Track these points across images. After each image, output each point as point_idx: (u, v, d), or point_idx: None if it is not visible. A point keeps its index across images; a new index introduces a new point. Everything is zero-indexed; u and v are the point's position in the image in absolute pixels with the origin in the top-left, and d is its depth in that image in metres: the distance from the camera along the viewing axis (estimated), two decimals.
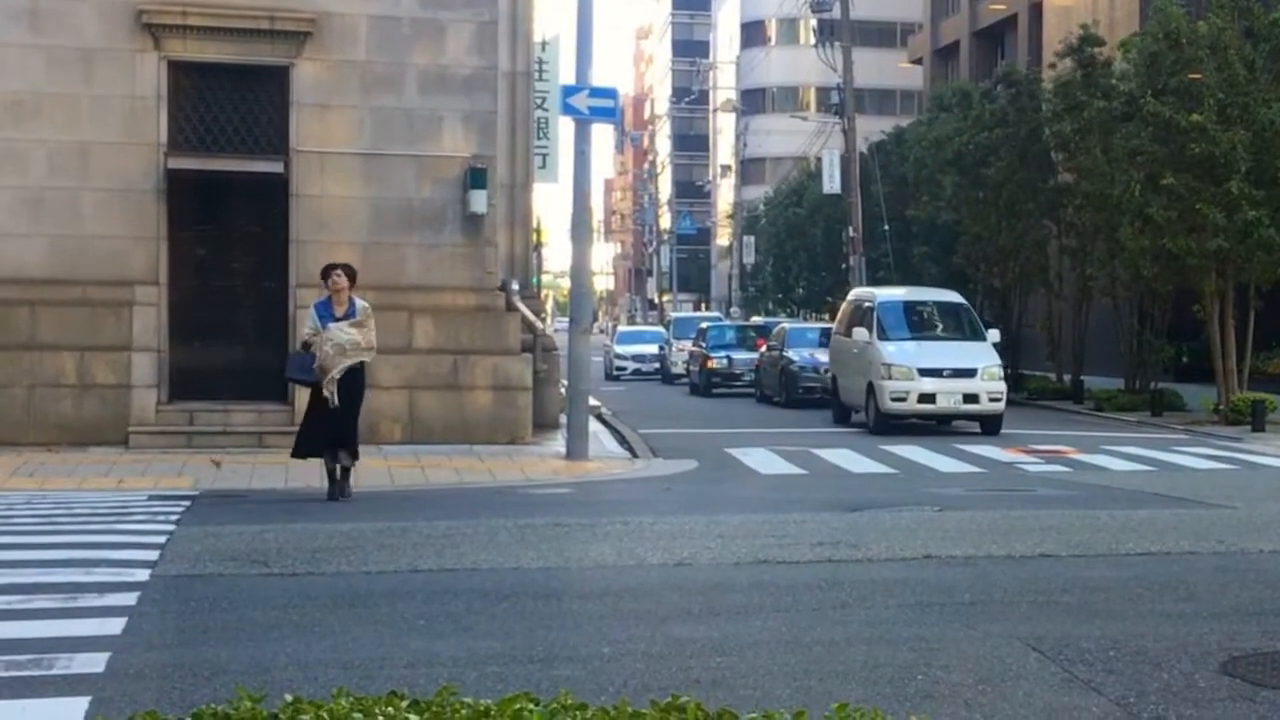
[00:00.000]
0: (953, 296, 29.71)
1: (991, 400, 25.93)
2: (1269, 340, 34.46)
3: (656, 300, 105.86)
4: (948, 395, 25.73)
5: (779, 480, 18.94)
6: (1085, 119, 33.15)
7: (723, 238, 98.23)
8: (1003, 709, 6.91)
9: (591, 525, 13.45)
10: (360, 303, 15.81)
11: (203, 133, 21.95)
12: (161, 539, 12.15)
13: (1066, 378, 37.63)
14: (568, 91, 21.48)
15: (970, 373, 26.03)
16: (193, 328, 21.79)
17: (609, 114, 22.14)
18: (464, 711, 4.80)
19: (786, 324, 40.49)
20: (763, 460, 21.24)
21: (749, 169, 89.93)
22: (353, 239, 22.10)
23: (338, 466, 15.73)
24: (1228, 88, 28.55)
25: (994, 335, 27.67)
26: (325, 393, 15.41)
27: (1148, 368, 34.07)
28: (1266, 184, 28.29)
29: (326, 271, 15.88)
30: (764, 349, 37.94)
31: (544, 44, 29.10)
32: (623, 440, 24.29)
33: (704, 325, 45.74)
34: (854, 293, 30.21)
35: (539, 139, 28.15)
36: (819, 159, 55.84)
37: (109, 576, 10.31)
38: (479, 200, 22.25)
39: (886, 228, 46.56)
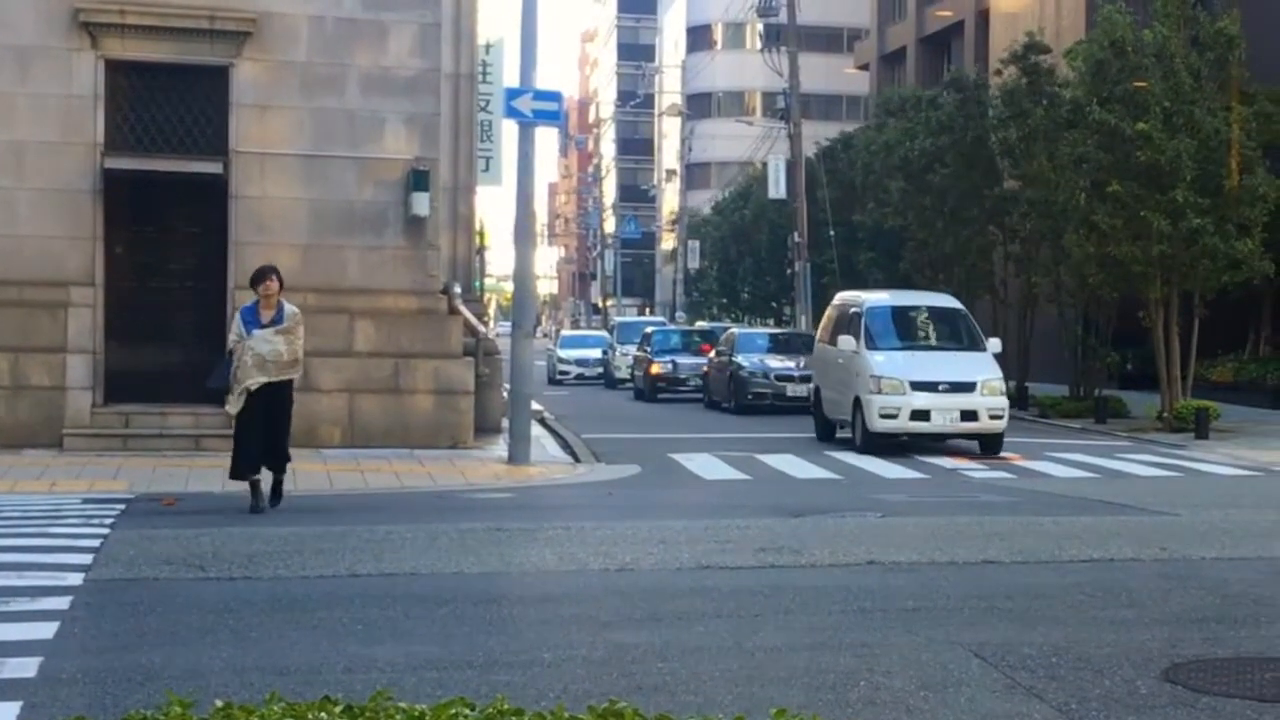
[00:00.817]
0: (949, 301, 27.42)
1: (992, 417, 23.40)
2: (1213, 348, 34.72)
3: (600, 305, 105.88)
4: (943, 412, 23.23)
5: (722, 485, 18.90)
6: (1030, 126, 33.30)
7: (667, 242, 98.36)
8: (945, 715, 6.88)
9: (533, 530, 13.37)
10: (289, 308, 14.84)
11: (140, 133, 21.72)
12: (96, 542, 12.01)
13: (1011, 384, 37.71)
14: (511, 94, 21.39)
15: (968, 387, 23.50)
16: (129, 329, 21.54)
17: (553, 117, 22.05)
18: (399, 717, 4.73)
19: (736, 329, 39.95)
20: (706, 465, 21.19)
21: (694, 173, 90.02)
22: (293, 241, 21.93)
23: (262, 479, 14.83)
24: (1173, 96, 28.73)
25: (994, 345, 24.98)
26: (229, 406, 14.67)
27: (1093, 375, 34.27)
28: (1211, 192, 28.49)
29: (259, 277, 14.85)
30: (712, 354, 37.32)
31: (488, 46, 28.98)
32: (565, 445, 24.21)
33: (649, 330, 45.51)
34: (839, 297, 27.82)
35: (482, 142, 28.02)
36: (765, 164, 55.95)
37: (42, 580, 10.19)
38: (421, 203, 22.11)
39: (832, 233, 46.67)
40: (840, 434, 25.26)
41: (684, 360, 40.30)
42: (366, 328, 22.04)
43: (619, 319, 66.03)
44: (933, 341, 25.50)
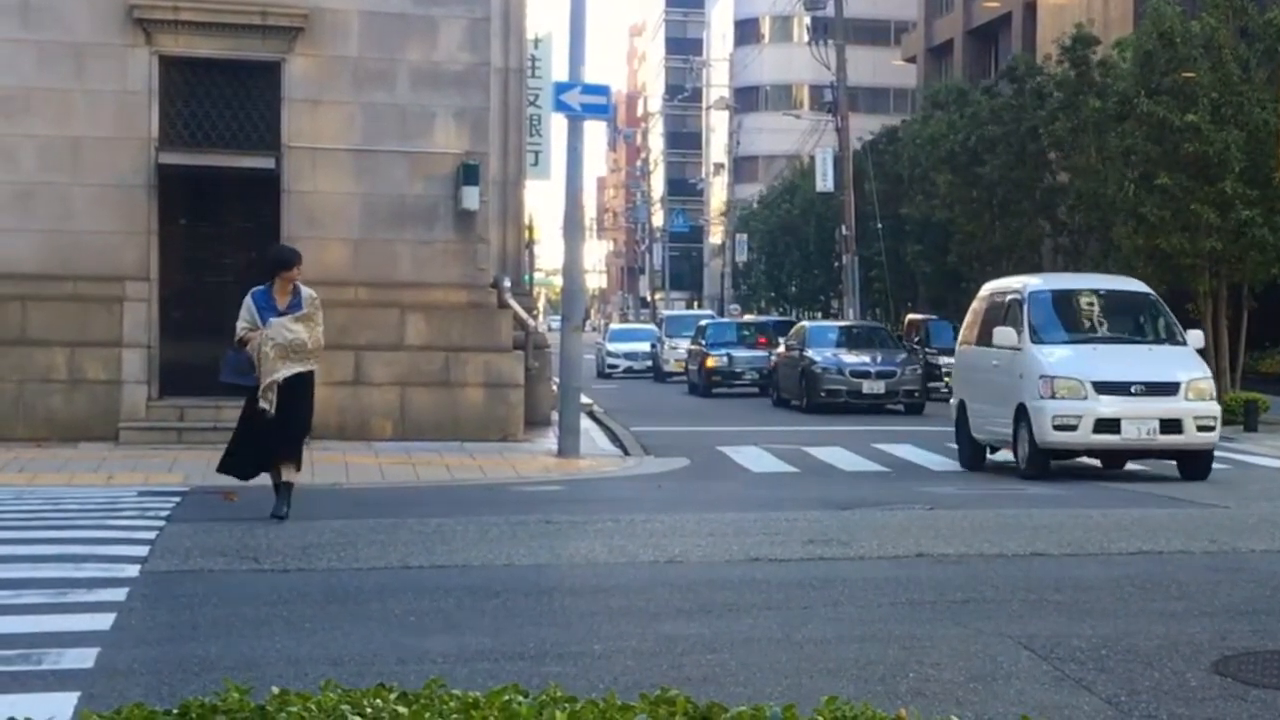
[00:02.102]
0: (1133, 285, 21.99)
1: (1200, 429, 18.44)
2: (1262, 340, 34.52)
3: (649, 298, 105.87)
4: (1138, 422, 18.31)
5: (770, 478, 18.93)
6: (1080, 118, 33.17)
7: (715, 236, 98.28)
8: (994, 707, 6.90)
9: (583, 522, 13.43)
10: (307, 291, 13.59)
11: (194, 128, 21.89)
12: (151, 534, 12.13)
13: None
14: (560, 88, 21.44)
15: (1169, 389, 18.62)
16: (183, 324, 21.73)
17: (602, 111, 22.11)
18: (452, 704, 4.78)
19: (806, 322, 38.90)
20: (754, 458, 21.22)
21: (742, 167, 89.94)
22: (344, 235, 22.07)
23: (280, 481, 13.57)
24: (1222, 87, 28.58)
25: (1196, 339, 19.89)
26: (262, 403, 13.14)
27: None
28: (1260, 184, 28.32)
29: (288, 262, 13.62)
30: (780, 348, 35.55)
31: (537, 40, 29.07)
32: (614, 438, 24.26)
33: (703, 323, 44.93)
34: (990, 286, 22.56)
35: (531, 136, 28.12)
36: (812, 157, 55.85)
37: (99, 572, 10.29)
38: (471, 197, 22.20)
39: (880, 226, 46.58)
40: (995, 457, 20.79)
41: (740, 354, 39.44)
42: (417, 321, 22.15)
43: (667, 313, 65.86)
44: (1118, 333, 20.31)
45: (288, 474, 13.43)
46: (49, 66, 21.26)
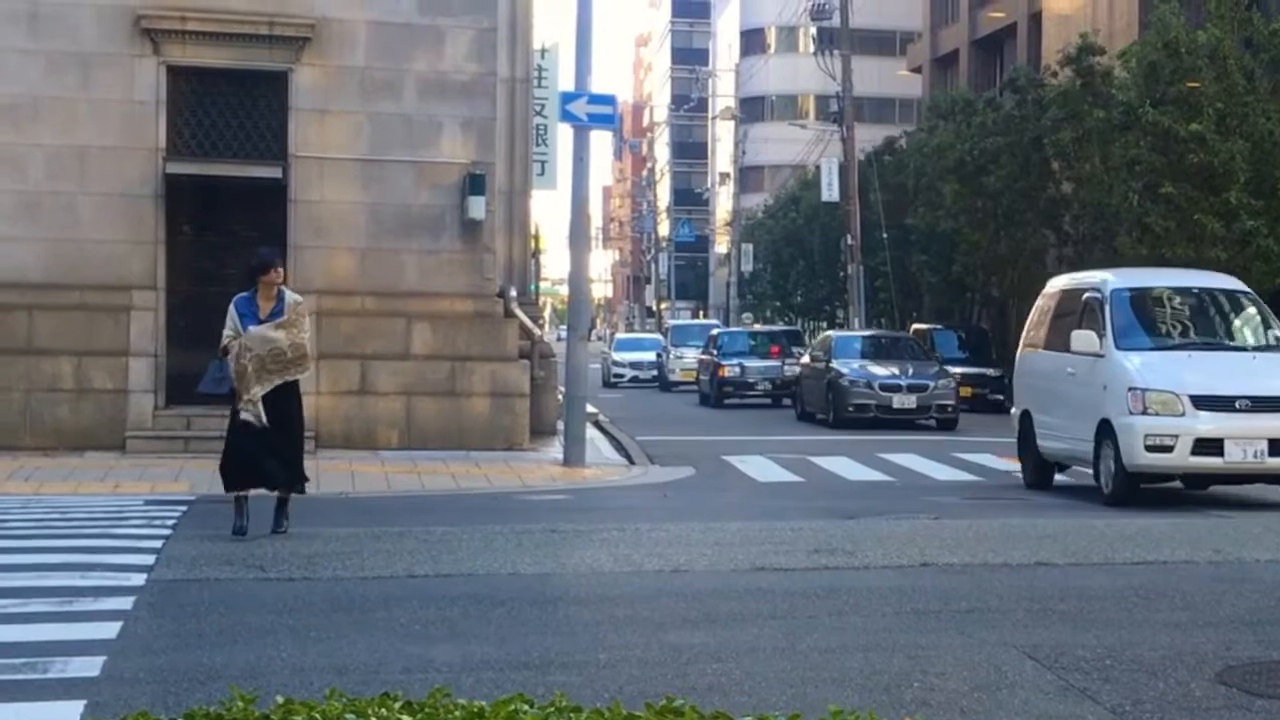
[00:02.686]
0: (1230, 282, 19.04)
1: None
2: None
3: (655, 308, 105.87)
4: (1244, 443, 15.82)
5: (776, 487, 18.94)
6: (1084, 128, 33.21)
7: (721, 245, 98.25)
8: (999, 716, 6.91)
9: (588, 531, 13.45)
10: (291, 296, 13.05)
11: (201, 138, 21.94)
12: (158, 543, 12.16)
13: None
14: (567, 98, 21.49)
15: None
16: (190, 333, 21.72)
17: (608, 121, 22.15)
18: (458, 713, 4.80)
19: (833, 332, 37.96)
20: (760, 467, 21.23)
21: (748, 177, 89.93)
22: (351, 244, 22.12)
23: (277, 494, 13.18)
24: (1226, 97, 28.61)
25: None
26: (245, 414, 12.60)
27: None
28: (1265, 194, 28.36)
29: (263, 265, 12.99)
30: (805, 359, 34.53)
31: (543, 51, 29.13)
32: (620, 447, 24.28)
33: (715, 332, 44.42)
34: (1060, 281, 19.86)
35: (538, 146, 28.17)
36: (817, 167, 55.87)
37: (105, 581, 10.31)
38: (477, 206, 22.24)
39: (885, 236, 46.58)
40: (1063, 477, 18.94)
41: (752, 364, 38.95)
42: (424, 331, 22.19)
43: (673, 322, 65.88)
44: (1213, 338, 17.69)
45: (282, 491, 13.10)
46: (56, 76, 21.32)
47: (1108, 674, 7.72)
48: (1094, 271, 20.76)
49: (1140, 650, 8.29)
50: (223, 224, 22.27)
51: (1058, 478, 18.84)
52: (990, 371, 38.27)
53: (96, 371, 21.13)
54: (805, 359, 34.14)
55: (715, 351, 40.06)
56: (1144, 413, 16.01)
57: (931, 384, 30.05)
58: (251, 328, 12.70)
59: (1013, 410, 19.82)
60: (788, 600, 9.85)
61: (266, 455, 12.78)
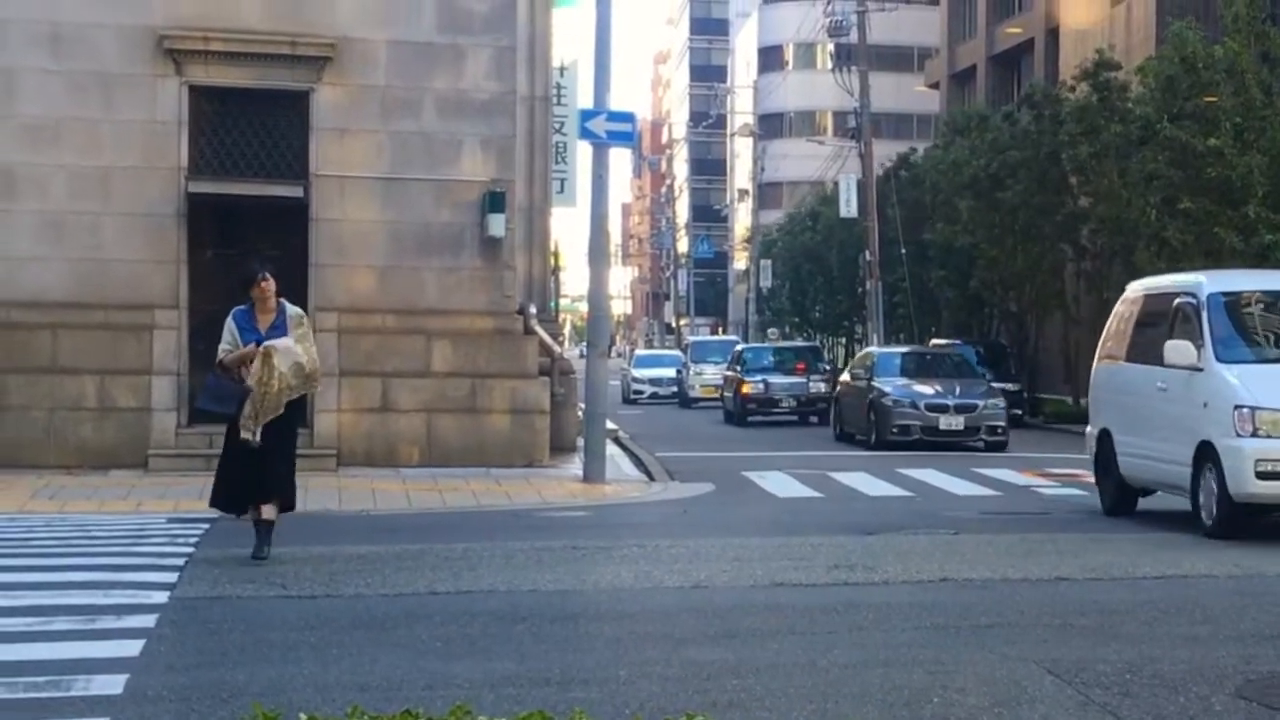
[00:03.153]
0: None
1: None
2: None
3: (674, 324, 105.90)
4: None
5: (795, 503, 18.94)
6: (1102, 143, 33.21)
7: (740, 261, 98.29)
8: None
9: (608, 548, 13.48)
10: (293, 310, 12.70)
11: (223, 157, 22.05)
12: (180, 561, 12.20)
13: (1083, 401, 37.53)
14: (586, 116, 21.56)
15: None
16: (213, 352, 21.63)
17: (627, 138, 22.21)
18: None
19: (874, 348, 35.78)
20: (779, 483, 21.23)
21: (766, 193, 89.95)
22: (371, 263, 22.21)
23: (259, 517, 12.46)
24: (1244, 111, 28.60)
25: None
26: (245, 434, 12.10)
27: None
28: None
29: (252, 277, 12.57)
30: (846, 377, 32.14)
31: (562, 69, 29.18)
32: (639, 463, 24.30)
33: (739, 348, 43.65)
34: (1143, 285, 18.03)
35: (557, 163, 28.23)
36: (835, 183, 55.89)
37: (127, 599, 10.36)
38: (497, 224, 22.31)
39: (903, 251, 46.59)
40: (1146, 500, 17.06)
41: (777, 380, 37.85)
42: (444, 348, 22.25)
43: (693, 338, 65.74)
44: None
45: (267, 512, 12.33)
46: (79, 96, 21.45)
47: (1128, 689, 7.72)
48: (1183, 275, 18.32)
49: (1161, 665, 8.29)
50: (245, 243, 22.31)
51: (1141, 502, 17.15)
52: (1009, 386, 38.16)
53: (119, 390, 21.22)
54: (845, 377, 31.99)
55: (739, 368, 39.07)
56: (1253, 434, 14.17)
57: (980, 404, 28.31)
58: (281, 340, 12.22)
59: (1089, 429, 18.08)
60: (808, 616, 9.87)
61: (261, 473, 12.30)
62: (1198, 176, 28.75)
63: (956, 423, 27.70)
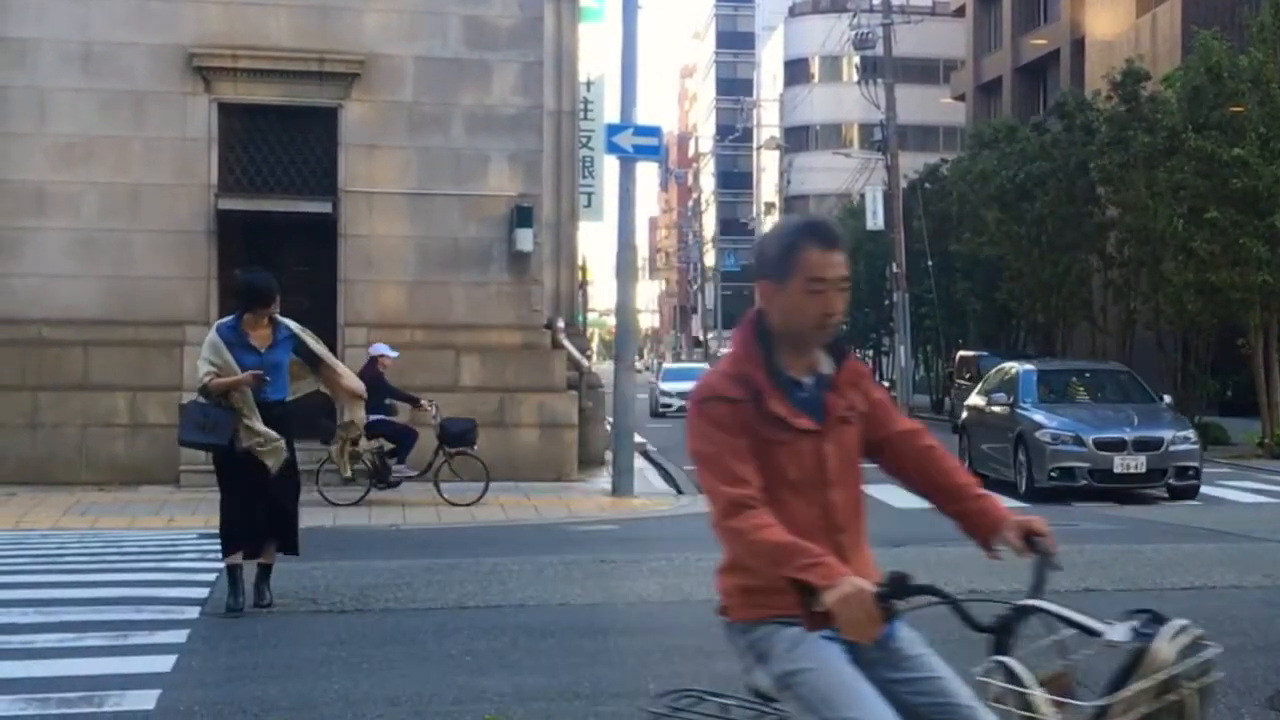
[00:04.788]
0: None
1: None
2: None
3: (701, 337, 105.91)
4: None
5: None
6: (1129, 153, 33.17)
7: None
8: None
9: (636, 561, 13.50)
10: (292, 323, 11.08)
11: (253, 174, 22.19)
12: (211, 576, 12.26)
13: None
14: (612, 130, 21.63)
15: None
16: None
17: (653, 152, 22.27)
18: None
19: (1015, 364, 25.55)
20: None
21: (793, 206, 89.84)
22: (400, 278, 22.30)
23: (256, 565, 11.00)
24: (1270, 121, 28.53)
25: None
26: (269, 460, 10.63)
27: (1192, 402, 33.94)
28: None
29: (269, 294, 10.78)
30: (978, 401, 25.13)
31: (589, 83, 29.27)
32: (668, 476, 24.31)
33: None
34: None
35: (584, 177, 28.30)
36: (862, 195, 55.87)
37: (159, 614, 10.41)
38: (525, 239, 22.39)
39: (929, 263, 46.55)
40: None
41: None
42: (472, 363, 22.32)
43: (724, 351, 65.24)
44: None
45: (266, 555, 10.99)
46: (110, 114, 21.61)
47: None
48: None
49: None
50: (274, 259, 22.41)
51: None
52: None
53: (151, 406, 21.33)
54: (976, 400, 25.12)
55: None
56: None
57: (1166, 437, 21.40)
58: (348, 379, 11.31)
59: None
60: None
61: (268, 512, 10.84)
62: (1224, 186, 28.69)
63: (1136, 463, 21.10)
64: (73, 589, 11.66)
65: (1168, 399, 24.01)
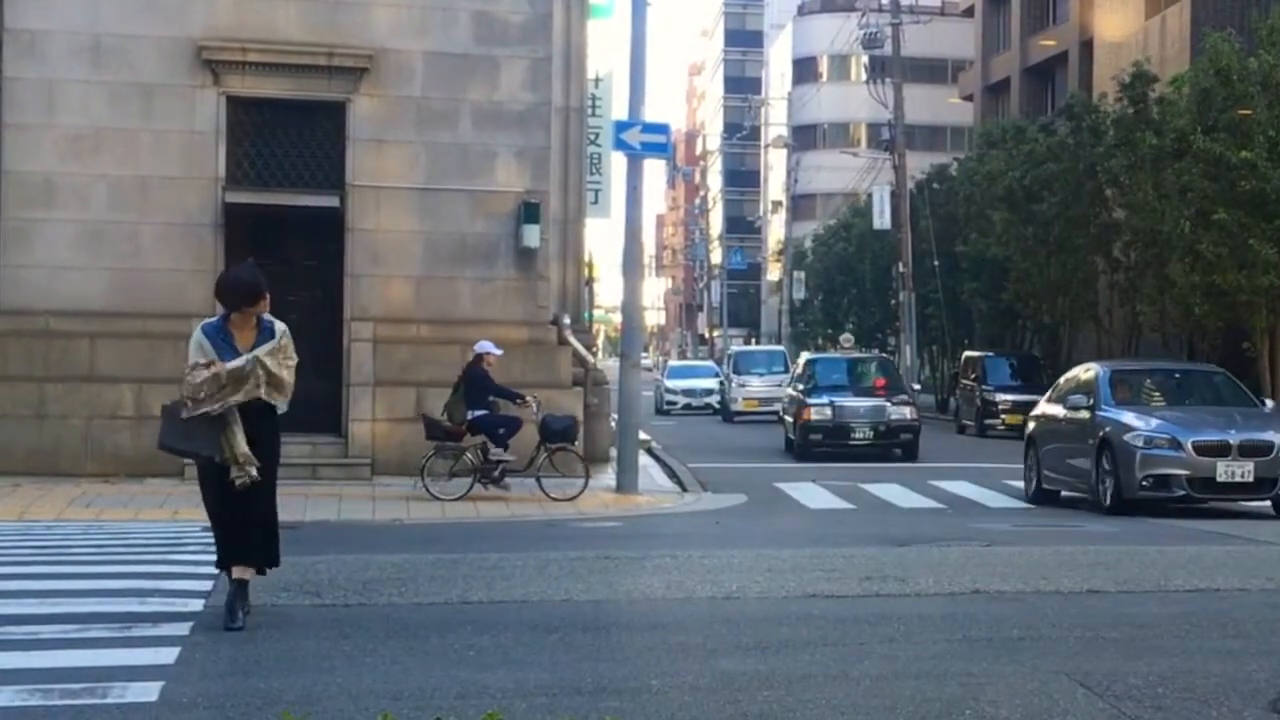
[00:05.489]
0: None
1: None
2: None
3: (707, 335, 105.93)
4: None
5: (827, 515, 18.96)
6: (1137, 155, 33.17)
7: (773, 273, 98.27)
8: None
9: (640, 558, 13.50)
10: (278, 324, 10.27)
11: (260, 167, 22.21)
12: (215, 570, 12.25)
13: None
14: (620, 127, 21.64)
15: None
16: None
17: (661, 149, 22.28)
18: None
19: (1095, 364, 22.42)
20: (811, 495, 21.24)
21: (800, 204, 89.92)
22: (407, 273, 22.32)
23: (236, 576, 9.94)
24: (1278, 124, 28.50)
25: None
26: (238, 477, 9.75)
27: None
28: None
29: (256, 291, 10.18)
30: (1045, 402, 22.50)
31: (597, 80, 29.26)
32: (672, 474, 24.34)
33: (807, 357, 36.13)
34: None
35: (591, 174, 28.30)
36: (869, 195, 55.87)
37: (163, 606, 10.42)
38: (531, 235, 22.40)
39: (936, 263, 46.56)
40: None
41: (848, 401, 29.39)
42: None
43: (736, 348, 63.71)
44: None
45: (239, 571, 9.95)
46: (119, 107, 21.64)
47: (1160, 702, 7.71)
48: None
49: (1193, 679, 8.27)
50: (281, 252, 22.49)
51: None
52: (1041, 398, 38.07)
53: (157, 399, 21.07)
54: (1047, 408, 22.06)
55: (801, 386, 31.11)
56: None
57: (1277, 442, 18.89)
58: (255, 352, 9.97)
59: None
60: (839, 627, 9.88)
61: (247, 525, 10.00)
62: (1231, 189, 28.69)
63: (1242, 471, 18.64)
64: (77, 580, 11.68)
65: (1270, 403, 22.13)
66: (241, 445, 9.75)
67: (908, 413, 29.19)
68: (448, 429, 19.53)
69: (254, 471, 9.72)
